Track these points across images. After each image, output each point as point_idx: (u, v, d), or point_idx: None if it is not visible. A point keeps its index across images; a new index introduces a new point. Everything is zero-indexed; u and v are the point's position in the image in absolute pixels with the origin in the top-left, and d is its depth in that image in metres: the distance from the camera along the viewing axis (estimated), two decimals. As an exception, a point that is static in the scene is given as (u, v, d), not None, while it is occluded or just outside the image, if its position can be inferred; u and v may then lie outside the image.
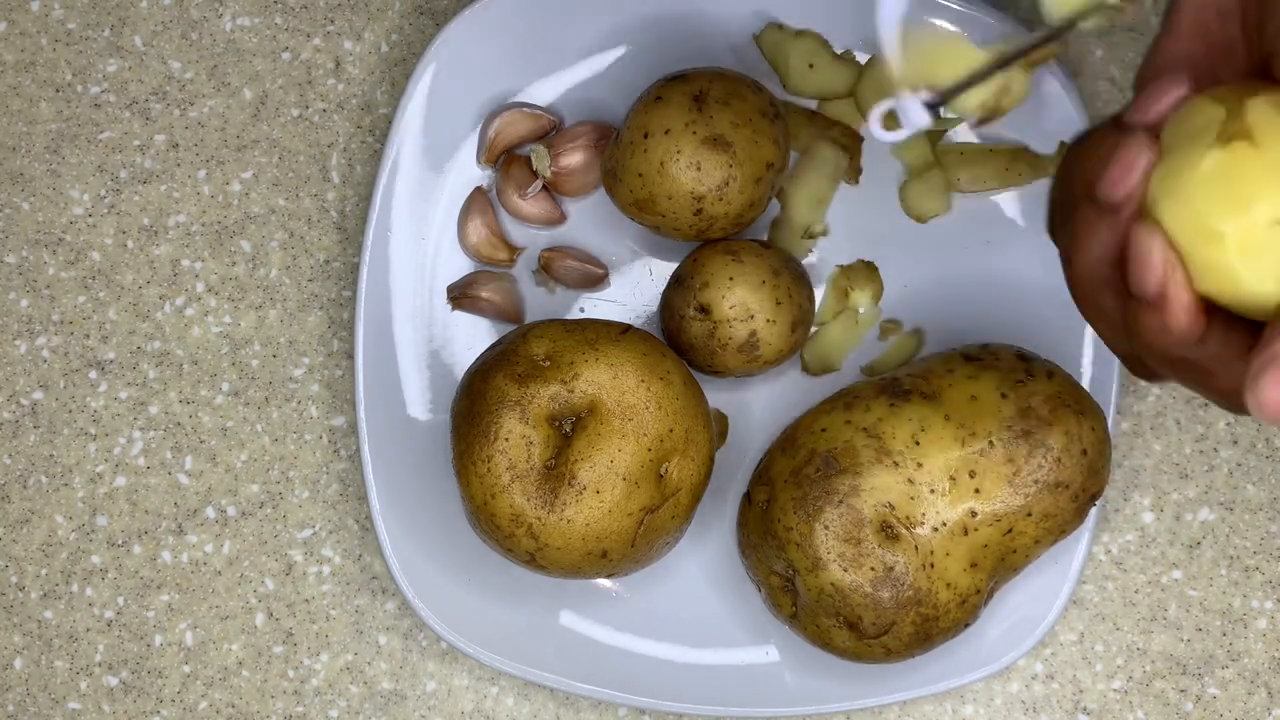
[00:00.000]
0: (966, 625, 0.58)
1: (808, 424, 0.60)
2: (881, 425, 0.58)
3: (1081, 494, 0.58)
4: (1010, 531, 0.57)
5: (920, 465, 0.57)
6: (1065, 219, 0.44)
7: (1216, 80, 0.43)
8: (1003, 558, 0.58)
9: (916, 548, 0.57)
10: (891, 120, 0.46)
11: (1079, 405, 0.58)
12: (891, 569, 0.56)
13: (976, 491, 0.57)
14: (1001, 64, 0.45)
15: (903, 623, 0.57)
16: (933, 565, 0.57)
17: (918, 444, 0.57)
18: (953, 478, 0.57)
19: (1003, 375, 0.58)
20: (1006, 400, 0.58)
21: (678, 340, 0.62)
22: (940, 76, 0.46)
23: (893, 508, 0.57)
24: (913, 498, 0.57)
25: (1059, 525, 0.58)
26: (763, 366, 0.62)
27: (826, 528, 0.57)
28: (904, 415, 0.58)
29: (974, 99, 0.46)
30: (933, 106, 0.46)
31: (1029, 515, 0.57)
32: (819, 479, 0.57)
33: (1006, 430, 0.57)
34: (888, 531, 0.57)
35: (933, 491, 0.57)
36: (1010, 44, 0.45)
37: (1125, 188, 0.42)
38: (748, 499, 0.60)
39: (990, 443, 0.57)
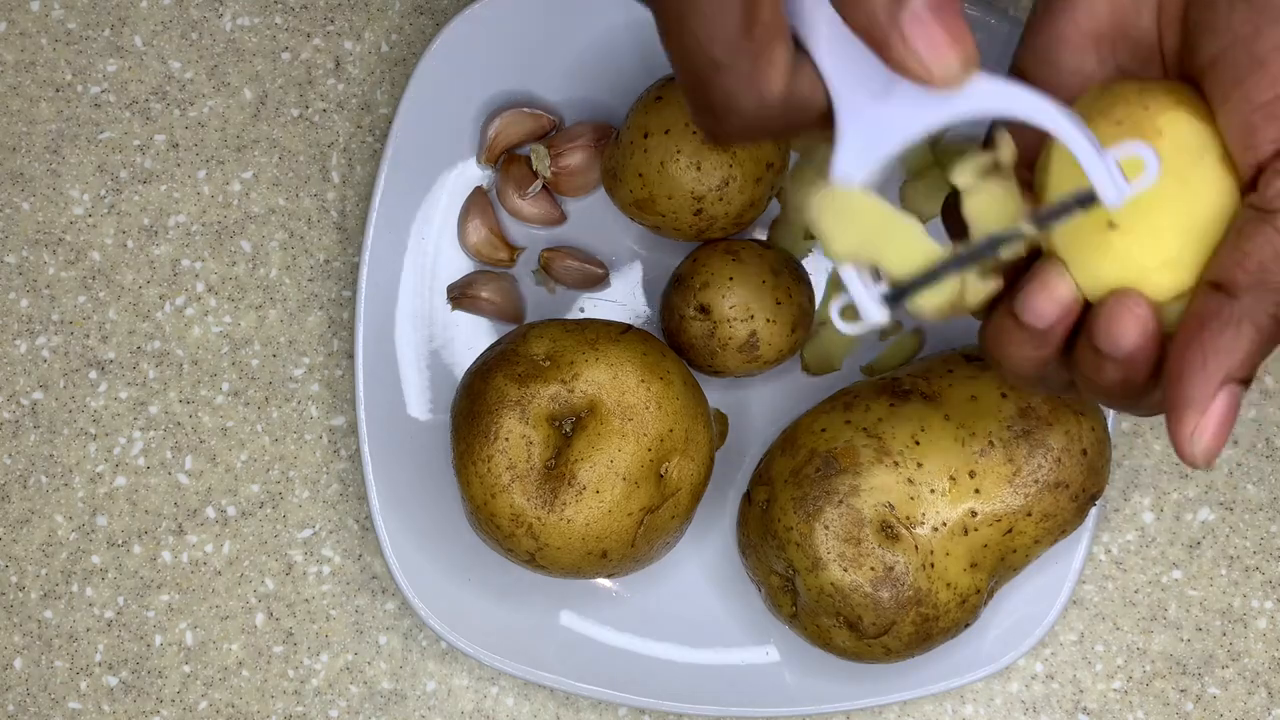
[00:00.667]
0: (966, 625, 0.58)
1: (808, 424, 0.60)
2: (881, 425, 0.58)
3: (1081, 494, 0.58)
4: (1010, 531, 0.57)
5: (920, 465, 0.57)
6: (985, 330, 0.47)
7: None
8: (1003, 558, 0.58)
9: (916, 548, 0.56)
10: (850, 313, 0.45)
11: (1079, 405, 0.58)
12: (891, 569, 0.56)
13: (976, 491, 0.57)
14: (958, 265, 0.43)
15: (903, 623, 0.57)
16: (933, 565, 0.57)
17: (918, 444, 0.57)
18: (953, 478, 0.57)
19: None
20: (1006, 400, 0.58)
21: (678, 340, 0.62)
22: (885, 258, 0.44)
23: (893, 508, 0.57)
24: (913, 498, 0.57)
25: (1059, 525, 0.58)
26: (763, 366, 0.62)
27: (826, 528, 0.57)
28: (904, 415, 0.58)
29: (932, 301, 0.44)
30: (890, 301, 0.44)
31: (1029, 515, 0.57)
32: (819, 479, 0.57)
33: (1006, 430, 0.57)
34: (888, 531, 0.57)
35: (933, 491, 0.57)
36: (966, 246, 0.44)
37: (1050, 319, 0.44)
38: (748, 499, 0.60)
39: (990, 443, 0.57)
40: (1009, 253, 0.43)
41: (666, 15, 0.41)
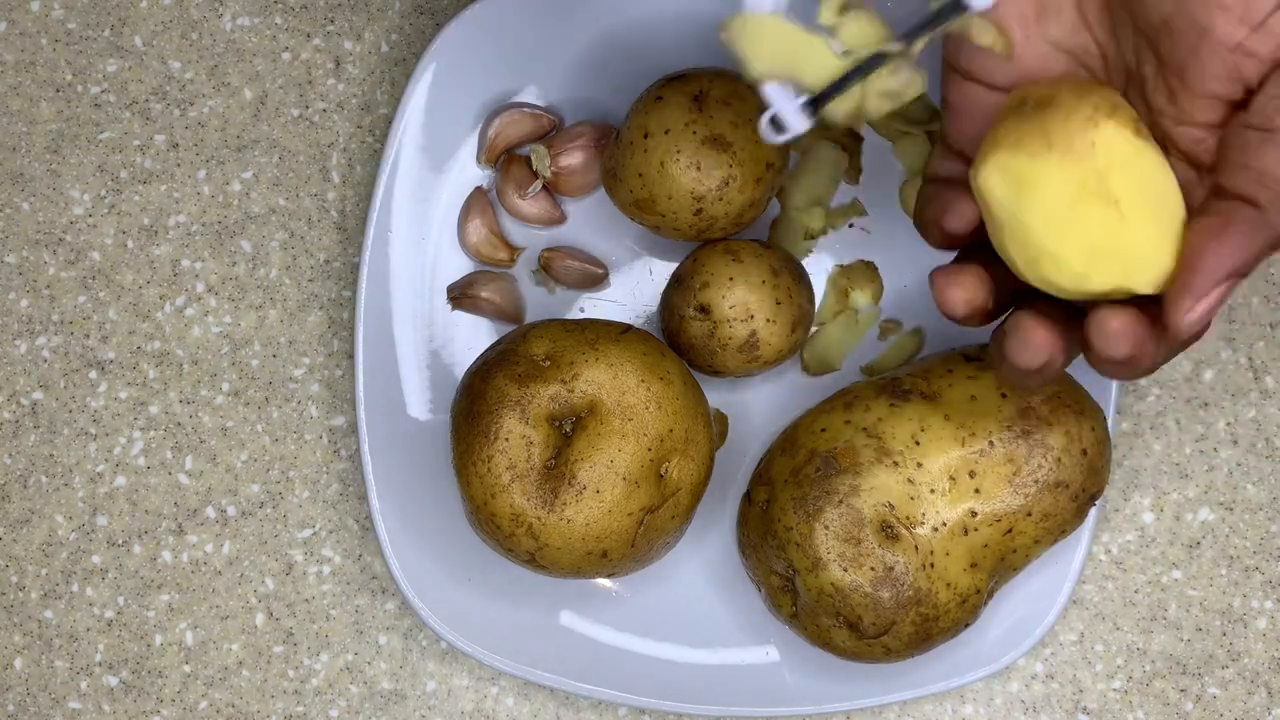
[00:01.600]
0: (966, 625, 0.58)
1: (808, 424, 0.60)
2: (881, 425, 0.58)
3: (1081, 494, 0.58)
4: (1010, 531, 0.57)
5: (920, 465, 0.57)
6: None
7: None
8: (1003, 558, 0.58)
9: (916, 548, 0.57)
10: (776, 124, 0.50)
11: (1079, 405, 0.58)
12: (891, 569, 0.56)
13: (976, 491, 0.57)
14: (858, 74, 0.48)
15: (903, 623, 0.57)
16: (933, 565, 0.57)
17: (918, 444, 0.57)
18: (953, 478, 0.57)
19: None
20: (1006, 400, 0.58)
21: (678, 340, 0.62)
22: (802, 74, 0.49)
23: (893, 508, 0.57)
24: (913, 498, 0.57)
25: (1059, 525, 0.58)
26: (763, 366, 0.62)
27: (826, 528, 0.57)
28: (904, 415, 0.58)
29: (840, 108, 0.49)
30: (808, 109, 0.49)
31: (1029, 515, 0.57)
32: (819, 479, 0.57)
33: (1006, 430, 0.57)
34: (888, 531, 0.57)
35: (933, 491, 0.57)
36: (865, 53, 0.48)
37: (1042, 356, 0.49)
38: (748, 499, 0.60)
39: (990, 443, 0.57)
40: (892, 62, 0.48)
41: None
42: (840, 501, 0.57)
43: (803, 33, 0.48)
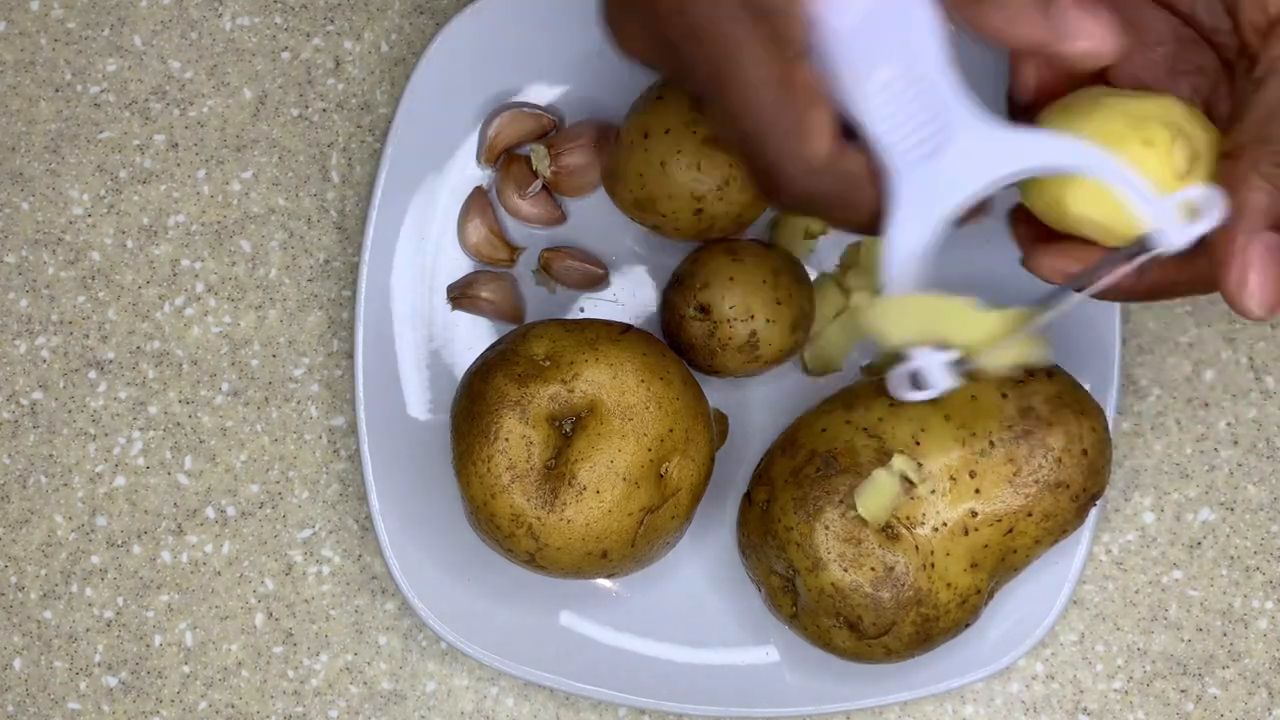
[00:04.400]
0: (966, 625, 0.58)
1: (808, 424, 0.60)
2: (881, 425, 0.58)
3: (1082, 494, 0.58)
4: (1010, 531, 0.57)
5: (920, 465, 0.57)
6: None
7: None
8: (1003, 558, 0.58)
9: (917, 548, 0.56)
10: (915, 382, 0.49)
11: (1079, 405, 0.58)
12: (892, 569, 0.56)
13: (977, 491, 0.57)
14: (1020, 327, 0.48)
15: (903, 623, 0.57)
16: (933, 565, 0.57)
17: (918, 444, 0.57)
18: (953, 478, 0.57)
19: (1002, 375, 0.58)
20: (1007, 400, 0.58)
21: (678, 340, 0.62)
22: (950, 337, 0.48)
23: (893, 508, 0.57)
24: (913, 498, 0.57)
25: (1059, 525, 0.58)
26: (763, 366, 0.62)
27: (827, 528, 0.57)
28: (904, 415, 0.58)
29: (1002, 360, 0.49)
30: (957, 365, 0.49)
31: (1029, 515, 0.57)
32: (819, 479, 0.57)
33: (1007, 430, 0.57)
34: (888, 531, 0.57)
35: (933, 491, 0.57)
36: (1024, 309, 0.48)
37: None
38: (748, 499, 0.60)
39: (990, 443, 0.57)
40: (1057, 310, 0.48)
41: (709, 92, 0.44)
42: (840, 501, 0.57)
43: (944, 299, 0.48)
